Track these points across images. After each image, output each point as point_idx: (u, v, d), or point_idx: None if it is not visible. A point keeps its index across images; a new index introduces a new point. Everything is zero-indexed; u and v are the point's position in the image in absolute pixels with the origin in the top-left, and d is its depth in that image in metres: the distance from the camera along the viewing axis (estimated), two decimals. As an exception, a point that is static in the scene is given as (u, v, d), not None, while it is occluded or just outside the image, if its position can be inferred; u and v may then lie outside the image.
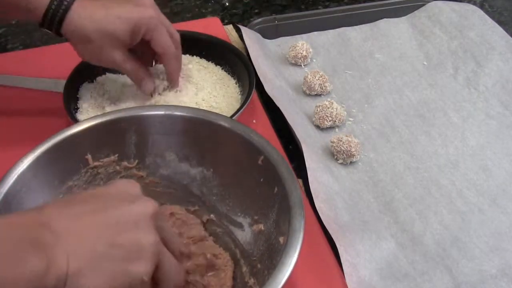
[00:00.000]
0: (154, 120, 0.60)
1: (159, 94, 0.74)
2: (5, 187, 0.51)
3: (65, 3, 0.63)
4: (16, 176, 0.52)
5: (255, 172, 0.55)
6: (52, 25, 0.64)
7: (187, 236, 0.58)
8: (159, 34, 0.67)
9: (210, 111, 0.61)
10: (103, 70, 0.79)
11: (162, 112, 0.60)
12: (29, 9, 0.63)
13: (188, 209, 0.62)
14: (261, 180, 0.54)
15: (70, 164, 0.57)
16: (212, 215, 0.61)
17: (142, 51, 0.72)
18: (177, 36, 0.71)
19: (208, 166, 0.60)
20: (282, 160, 0.53)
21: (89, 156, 0.58)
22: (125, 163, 0.60)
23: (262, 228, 0.54)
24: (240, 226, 0.58)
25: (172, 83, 0.73)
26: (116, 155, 0.60)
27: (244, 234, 0.58)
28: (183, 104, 0.75)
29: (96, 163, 0.59)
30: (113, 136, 0.59)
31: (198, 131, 0.59)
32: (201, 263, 0.56)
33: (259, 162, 0.54)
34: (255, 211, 0.56)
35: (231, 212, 0.59)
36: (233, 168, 0.58)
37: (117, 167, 0.60)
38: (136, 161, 0.61)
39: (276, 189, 0.52)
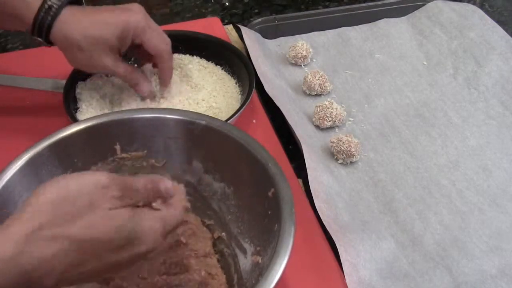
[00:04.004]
0: (184, 125, 0.60)
1: (160, 96, 0.74)
2: (1, 182, 0.52)
3: (53, 10, 0.63)
4: (13, 172, 0.53)
5: (266, 202, 0.54)
6: (41, 33, 0.64)
7: (191, 248, 0.58)
8: (149, 36, 0.68)
9: (241, 130, 0.59)
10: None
11: (194, 119, 0.60)
12: (18, 17, 0.64)
13: (204, 221, 0.62)
14: (269, 212, 0.53)
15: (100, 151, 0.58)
16: (223, 233, 0.60)
17: (139, 57, 0.73)
18: (167, 38, 0.71)
19: (229, 184, 0.60)
20: (290, 198, 0.52)
21: (118, 147, 0.58)
22: (152, 161, 0.61)
23: (260, 261, 0.53)
24: (244, 252, 0.58)
25: (164, 82, 0.74)
26: (145, 151, 0.60)
27: (245, 262, 0.57)
28: (181, 105, 0.75)
29: (124, 155, 0.59)
30: (143, 135, 0.60)
31: (225, 147, 0.59)
32: (194, 279, 0.55)
33: (269, 194, 0.53)
34: (259, 242, 0.55)
35: (240, 236, 0.59)
36: (250, 192, 0.57)
37: (144, 163, 0.61)
38: (164, 161, 0.61)
39: (276, 226, 0.51)
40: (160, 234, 0.44)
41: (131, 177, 0.45)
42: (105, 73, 0.75)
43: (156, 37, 0.69)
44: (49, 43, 0.66)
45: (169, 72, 0.73)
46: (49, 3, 0.63)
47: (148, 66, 0.75)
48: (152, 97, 0.73)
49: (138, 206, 0.44)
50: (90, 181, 0.42)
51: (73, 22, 0.64)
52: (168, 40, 0.71)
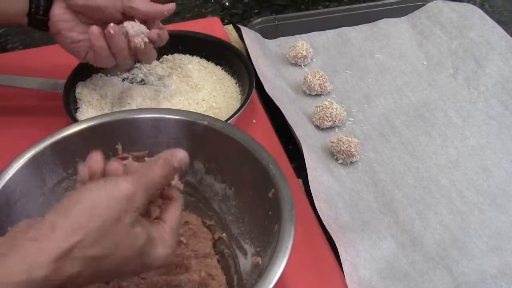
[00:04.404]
0: (185, 126, 0.60)
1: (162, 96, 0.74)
2: (2, 182, 0.52)
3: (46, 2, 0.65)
4: (15, 171, 0.53)
5: (266, 203, 0.54)
6: (41, 25, 0.65)
7: (191, 249, 0.58)
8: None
9: (242, 131, 0.59)
10: (102, 71, 0.79)
11: (197, 120, 0.60)
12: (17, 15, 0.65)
13: (204, 221, 0.62)
14: (269, 213, 0.53)
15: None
16: (224, 234, 0.60)
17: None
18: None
19: (230, 185, 0.60)
20: (290, 198, 0.52)
21: (119, 146, 0.58)
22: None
23: (260, 262, 0.53)
24: (245, 253, 0.57)
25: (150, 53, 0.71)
26: (147, 151, 0.60)
27: (245, 263, 0.57)
28: (181, 105, 0.75)
29: (126, 155, 0.59)
30: (144, 135, 0.60)
31: (226, 148, 0.59)
32: (194, 279, 0.55)
33: (270, 195, 0.53)
34: (259, 243, 0.55)
35: (241, 237, 0.59)
36: (251, 193, 0.57)
37: None
38: None
39: (276, 227, 0.51)
40: (171, 256, 0.45)
41: (148, 168, 0.44)
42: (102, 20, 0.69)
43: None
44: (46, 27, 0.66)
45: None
46: None
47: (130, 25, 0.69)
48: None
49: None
50: (118, 193, 0.41)
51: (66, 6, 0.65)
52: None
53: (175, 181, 0.48)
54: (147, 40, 0.67)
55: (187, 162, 0.46)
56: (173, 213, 0.47)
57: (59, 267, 0.37)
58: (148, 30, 0.67)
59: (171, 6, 0.68)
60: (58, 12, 0.66)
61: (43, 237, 0.38)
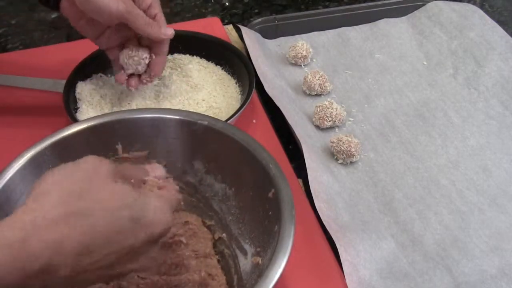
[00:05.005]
0: (185, 126, 0.60)
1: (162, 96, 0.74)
2: (2, 182, 0.52)
3: None
4: (15, 171, 0.53)
5: (266, 203, 0.54)
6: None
7: (191, 249, 0.58)
8: (161, 14, 0.69)
9: (242, 131, 0.59)
10: (102, 71, 0.79)
11: (196, 120, 0.60)
12: None
13: (205, 221, 0.62)
14: (269, 213, 0.53)
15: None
16: (224, 234, 0.60)
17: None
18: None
19: (230, 185, 0.60)
20: (290, 199, 0.52)
21: (119, 146, 0.58)
22: (154, 162, 0.60)
23: (260, 262, 0.53)
24: (245, 253, 0.58)
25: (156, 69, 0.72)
26: (147, 151, 0.60)
27: (246, 263, 0.57)
28: (181, 105, 0.75)
29: (126, 155, 0.59)
30: (144, 135, 0.60)
31: (226, 148, 0.59)
32: (194, 279, 0.55)
33: (270, 195, 0.53)
34: (259, 243, 0.55)
35: (241, 237, 0.59)
36: (251, 193, 0.57)
37: (146, 163, 0.60)
38: (165, 161, 0.60)
39: (276, 227, 0.51)
40: (169, 213, 0.44)
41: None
42: (107, 19, 0.67)
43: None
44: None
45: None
46: None
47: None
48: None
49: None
50: (89, 158, 0.43)
51: None
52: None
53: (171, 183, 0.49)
54: (143, 69, 0.72)
55: (162, 176, 0.48)
56: (169, 191, 0.47)
57: (34, 232, 0.37)
58: (147, 55, 0.71)
59: (170, 33, 0.69)
60: (66, 5, 0.66)
61: (17, 208, 0.39)
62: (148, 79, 0.72)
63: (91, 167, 0.42)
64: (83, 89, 0.76)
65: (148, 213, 0.43)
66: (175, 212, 0.47)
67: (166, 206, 0.45)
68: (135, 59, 0.70)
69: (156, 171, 0.47)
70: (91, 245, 0.40)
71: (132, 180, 0.45)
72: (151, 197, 0.44)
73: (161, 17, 0.70)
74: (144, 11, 0.68)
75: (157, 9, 0.69)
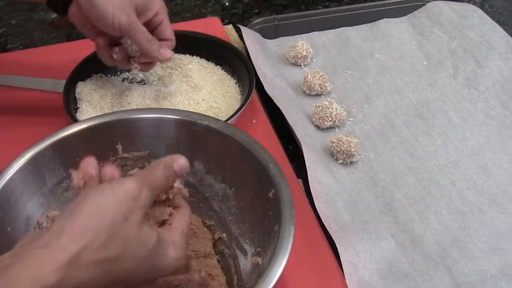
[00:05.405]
0: (185, 126, 0.60)
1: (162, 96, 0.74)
2: (2, 182, 0.52)
3: None
4: (15, 171, 0.53)
5: (266, 203, 0.54)
6: (60, 4, 0.64)
7: (191, 249, 0.58)
8: (167, 21, 0.68)
9: (242, 131, 0.59)
10: (102, 71, 0.79)
11: (197, 120, 0.60)
12: None
13: (204, 221, 0.62)
14: (270, 213, 0.53)
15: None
16: (224, 234, 0.60)
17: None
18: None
19: (230, 185, 0.60)
20: (290, 199, 0.52)
21: (119, 146, 0.58)
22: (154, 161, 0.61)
23: (260, 262, 0.53)
24: (245, 253, 0.57)
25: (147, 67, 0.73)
26: (147, 151, 0.60)
27: (246, 263, 0.57)
28: (181, 105, 0.75)
29: (126, 155, 0.59)
30: (144, 135, 0.60)
31: (226, 148, 0.59)
32: (194, 279, 0.55)
33: (270, 195, 0.53)
34: (259, 243, 0.55)
35: (241, 237, 0.59)
36: (251, 193, 0.57)
37: (146, 163, 0.60)
38: None
39: (276, 226, 0.51)
40: (182, 261, 0.45)
41: (150, 170, 0.45)
42: (116, 33, 0.67)
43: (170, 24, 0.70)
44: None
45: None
46: None
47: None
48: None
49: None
50: (124, 192, 0.41)
51: None
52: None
53: (178, 184, 0.48)
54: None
55: (187, 168, 0.47)
56: (183, 218, 0.47)
57: (69, 272, 0.37)
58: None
59: (167, 57, 0.69)
60: (74, 10, 0.66)
61: (50, 243, 0.37)
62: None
63: (127, 203, 0.41)
64: (83, 89, 0.76)
65: (165, 265, 0.44)
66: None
67: (182, 250, 0.45)
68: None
69: (179, 161, 0.47)
70: (111, 283, 0.41)
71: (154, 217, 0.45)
72: (169, 244, 0.44)
73: (166, 23, 0.70)
74: (151, 18, 0.68)
75: (163, 15, 0.69)
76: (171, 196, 0.47)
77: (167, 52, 0.69)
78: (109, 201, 0.40)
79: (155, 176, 0.44)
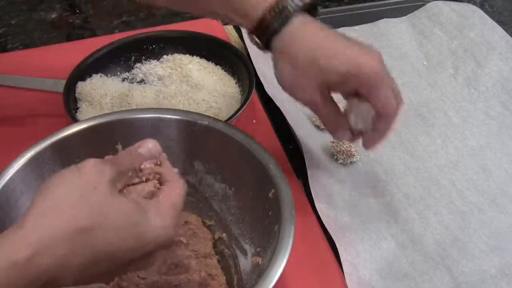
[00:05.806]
0: (185, 126, 0.60)
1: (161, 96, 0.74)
2: (2, 182, 0.52)
3: (285, 14, 0.56)
4: (15, 171, 0.53)
5: (266, 203, 0.54)
6: (263, 35, 0.58)
7: (191, 249, 0.58)
8: (382, 95, 0.55)
9: (242, 131, 0.59)
10: (102, 71, 0.79)
11: (196, 120, 0.60)
12: (238, 11, 0.58)
13: (204, 221, 0.62)
14: (270, 213, 0.53)
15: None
16: (224, 234, 0.61)
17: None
18: (400, 94, 0.59)
19: (230, 185, 0.60)
20: (290, 199, 0.52)
21: (119, 146, 0.58)
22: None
23: (260, 262, 0.53)
24: (245, 253, 0.58)
25: (369, 145, 0.61)
26: None
27: (246, 263, 0.57)
28: (181, 105, 0.75)
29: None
30: (144, 135, 0.59)
31: (226, 148, 0.59)
32: (194, 279, 0.55)
33: (270, 195, 0.53)
34: (259, 243, 0.55)
35: (241, 237, 0.59)
36: (251, 193, 0.57)
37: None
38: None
39: (276, 226, 0.51)
40: (171, 227, 0.44)
41: (114, 156, 0.46)
42: (304, 103, 0.60)
43: (390, 96, 0.56)
44: (266, 47, 0.60)
45: (383, 135, 0.59)
46: (284, 4, 0.56)
47: (361, 106, 0.58)
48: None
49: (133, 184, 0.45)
50: (87, 166, 0.42)
51: (302, 36, 0.57)
52: (401, 99, 0.58)
53: (150, 165, 0.47)
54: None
55: (156, 151, 0.47)
56: (172, 190, 0.46)
57: (41, 248, 0.37)
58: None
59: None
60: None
61: (24, 222, 0.38)
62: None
63: (93, 176, 0.41)
64: (83, 89, 0.76)
65: (149, 234, 0.42)
66: None
67: (169, 218, 0.44)
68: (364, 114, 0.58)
69: (147, 144, 0.46)
70: (96, 258, 0.40)
71: (130, 173, 0.44)
72: (153, 212, 0.43)
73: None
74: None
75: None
76: (144, 178, 0.46)
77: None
78: (75, 175, 0.41)
79: (118, 156, 0.45)
